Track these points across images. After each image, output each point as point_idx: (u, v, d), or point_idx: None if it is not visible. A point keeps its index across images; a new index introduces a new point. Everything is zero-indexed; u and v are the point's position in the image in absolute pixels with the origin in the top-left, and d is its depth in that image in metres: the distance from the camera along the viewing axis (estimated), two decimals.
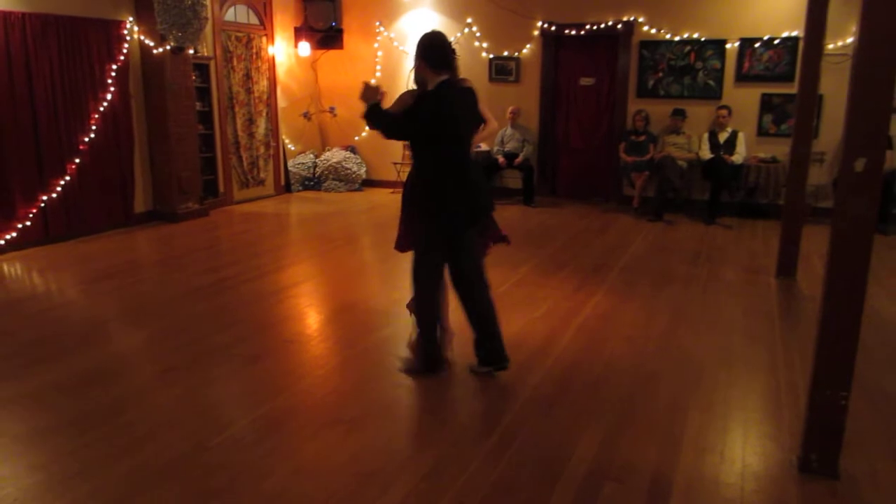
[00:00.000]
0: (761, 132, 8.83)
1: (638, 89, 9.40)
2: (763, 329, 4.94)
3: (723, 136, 8.66)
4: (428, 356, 4.15)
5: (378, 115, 3.83)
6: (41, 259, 6.79)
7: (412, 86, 4.11)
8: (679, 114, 8.92)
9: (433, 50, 3.92)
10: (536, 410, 3.70)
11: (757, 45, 8.67)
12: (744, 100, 8.83)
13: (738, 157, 8.53)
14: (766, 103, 8.75)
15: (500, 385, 4.01)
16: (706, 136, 8.80)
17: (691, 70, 9.04)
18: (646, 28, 9.18)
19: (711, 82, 8.98)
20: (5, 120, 6.72)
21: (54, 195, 7.23)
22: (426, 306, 4.12)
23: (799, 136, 5.91)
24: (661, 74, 9.22)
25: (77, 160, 7.42)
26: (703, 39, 8.91)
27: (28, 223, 7.00)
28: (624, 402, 3.80)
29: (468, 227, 3.98)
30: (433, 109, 3.81)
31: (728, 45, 8.81)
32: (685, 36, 8.99)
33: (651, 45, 9.20)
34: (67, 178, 7.34)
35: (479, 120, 4.21)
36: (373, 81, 3.93)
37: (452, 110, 3.84)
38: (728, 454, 3.27)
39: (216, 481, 3.04)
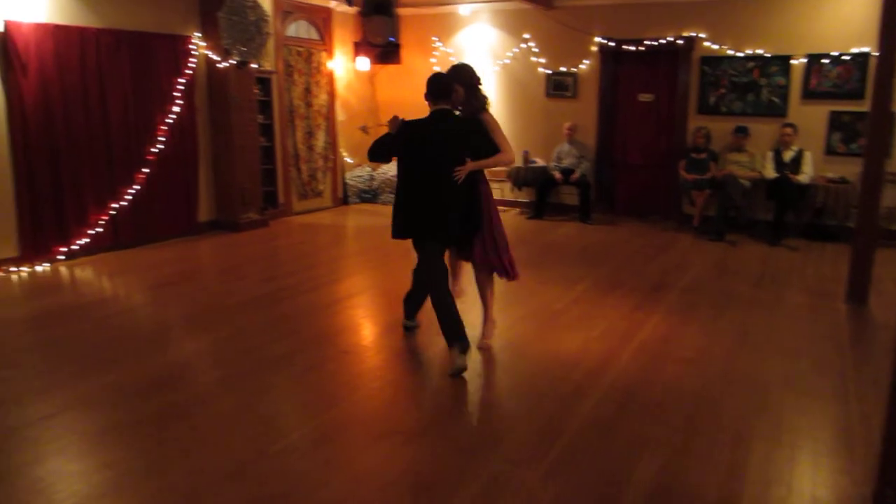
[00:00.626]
0: (829, 151, 8.57)
1: (699, 106, 9.25)
2: (832, 356, 4.77)
3: (788, 155, 8.45)
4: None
5: (376, 143, 4.59)
6: (111, 264, 7.01)
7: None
8: (742, 131, 8.74)
9: (430, 84, 4.50)
10: (593, 432, 3.64)
11: (825, 61, 8.44)
12: (810, 118, 8.60)
13: (805, 176, 8.30)
14: (835, 121, 8.50)
15: (558, 404, 3.96)
16: (770, 154, 8.60)
17: (755, 86, 8.86)
18: (707, 43, 9.03)
19: (776, 99, 8.77)
20: (80, 131, 6.97)
21: (124, 203, 7.46)
22: (431, 296, 4.57)
23: (871, 155, 5.72)
24: (723, 91, 9.06)
25: (145, 170, 7.65)
26: (767, 55, 8.72)
27: (99, 230, 7.24)
28: (685, 427, 3.71)
29: (410, 237, 4.57)
30: (404, 135, 4.49)
31: (794, 61, 8.60)
32: (748, 51, 8.81)
33: (713, 60, 9.05)
34: (136, 187, 7.57)
35: (484, 149, 4.53)
36: (399, 116, 4.60)
37: (411, 138, 4.46)
38: (796, 486, 3.16)
39: (274, 488, 3.08)
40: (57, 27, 6.69)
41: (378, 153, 4.67)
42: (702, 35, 9.05)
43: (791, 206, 8.37)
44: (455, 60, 10.43)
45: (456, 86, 4.55)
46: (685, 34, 9.13)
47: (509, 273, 4.74)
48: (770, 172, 8.49)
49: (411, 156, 4.49)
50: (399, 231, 4.60)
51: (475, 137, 4.50)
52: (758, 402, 4.03)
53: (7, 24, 6.30)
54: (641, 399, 4.04)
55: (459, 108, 4.62)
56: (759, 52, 8.75)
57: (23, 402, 3.89)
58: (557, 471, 3.24)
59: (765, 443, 3.54)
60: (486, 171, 4.71)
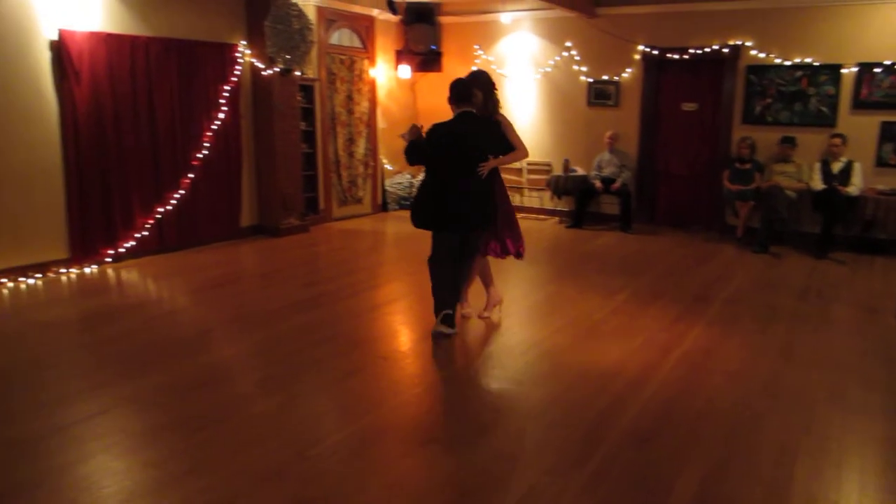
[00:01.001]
0: (880, 163, 8.36)
1: (744, 115, 9.11)
2: (882, 373, 4.63)
3: (836, 166, 8.27)
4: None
5: (411, 148, 4.97)
6: (155, 267, 7.15)
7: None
8: (789, 142, 8.58)
9: (453, 89, 4.97)
10: (633, 443, 3.60)
11: (877, 70, 8.24)
12: (861, 128, 8.40)
13: (854, 188, 8.11)
14: (887, 132, 8.28)
15: (597, 415, 3.93)
16: (818, 165, 8.42)
17: (803, 96, 8.70)
18: (754, 52, 8.90)
19: (825, 109, 8.60)
20: (129, 136, 7.14)
21: (169, 207, 7.61)
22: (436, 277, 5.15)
23: None
24: (769, 100, 8.91)
25: (191, 175, 7.80)
26: (816, 64, 8.55)
27: (145, 233, 7.39)
28: (727, 441, 3.65)
29: (433, 228, 5.04)
30: (432, 136, 4.93)
31: (844, 71, 8.42)
32: (797, 60, 8.66)
33: (759, 69, 8.91)
34: (181, 191, 7.71)
35: (500, 146, 5.09)
36: (418, 124, 5.05)
37: (437, 139, 4.90)
38: None
39: (313, 491, 3.10)
40: (109, 35, 6.87)
41: (413, 156, 5.05)
42: (748, 43, 8.92)
43: (839, 219, 8.18)
44: (497, 69, 10.48)
45: (475, 90, 5.01)
46: (731, 42, 9.01)
47: (511, 252, 5.40)
48: (817, 184, 8.32)
49: (440, 155, 4.93)
50: (424, 222, 5.07)
51: (495, 137, 5.04)
52: (803, 417, 3.94)
53: (62, 33, 6.48)
54: (682, 411, 3.99)
55: (475, 110, 5.06)
56: (808, 60, 8.59)
57: (70, 401, 3.98)
58: (596, 482, 3.21)
59: (810, 459, 3.46)
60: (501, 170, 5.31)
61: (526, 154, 5.26)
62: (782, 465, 3.39)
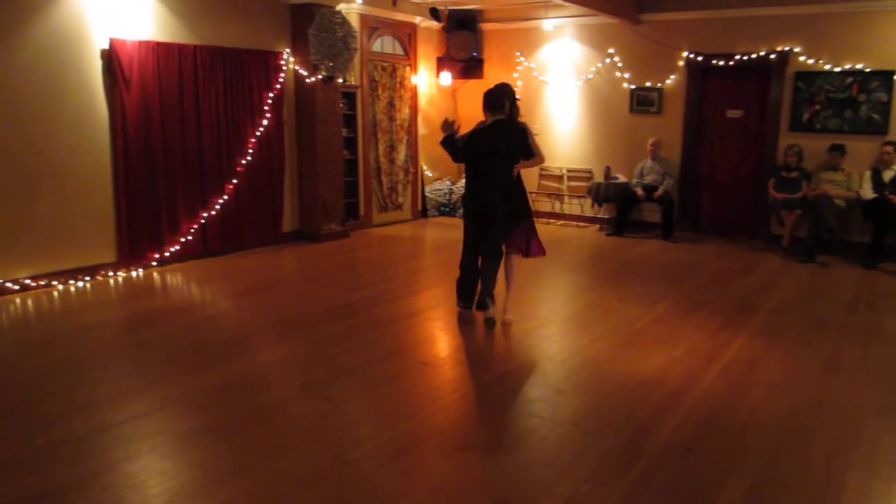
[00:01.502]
0: None
1: (791, 122, 8.94)
2: None
3: (888, 175, 8.05)
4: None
5: (449, 142, 5.61)
6: (199, 271, 7.28)
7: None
8: (838, 149, 8.40)
9: (488, 100, 5.59)
10: (675, 454, 3.55)
11: None
12: None
13: None
14: None
15: (638, 424, 3.88)
16: (868, 173, 8.21)
17: (853, 103, 8.50)
18: (802, 58, 8.73)
19: (876, 116, 8.39)
20: (175, 142, 7.28)
21: (213, 213, 7.74)
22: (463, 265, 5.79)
23: None
24: (818, 107, 8.73)
25: (234, 181, 7.92)
26: (867, 70, 8.36)
27: (190, 238, 7.53)
28: (771, 454, 3.57)
29: (478, 223, 5.60)
30: (467, 141, 5.56)
31: None
32: (847, 67, 8.48)
33: (808, 76, 8.74)
34: (225, 197, 7.84)
35: (525, 152, 5.58)
36: (450, 118, 5.76)
37: (478, 143, 5.50)
38: None
39: (353, 494, 3.12)
40: (158, 44, 7.02)
41: (450, 148, 5.64)
42: (797, 49, 8.76)
43: (890, 228, 7.97)
44: (538, 76, 10.47)
45: (504, 100, 5.55)
46: (778, 48, 8.85)
47: (532, 252, 5.77)
48: (868, 193, 8.12)
49: (477, 158, 5.53)
50: (467, 216, 5.78)
51: (524, 142, 5.55)
52: (851, 431, 3.85)
53: (112, 42, 6.65)
54: (725, 423, 3.92)
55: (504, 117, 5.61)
56: (859, 66, 8.40)
57: (118, 401, 4.07)
58: (636, 493, 3.17)
59: (859, 473, 3.37)
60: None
61: (543, 160, 5.84)
62: (830, 480, 3.31)
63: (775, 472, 3.38)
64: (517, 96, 5.88)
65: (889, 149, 8.06)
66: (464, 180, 11.12)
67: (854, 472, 3.39)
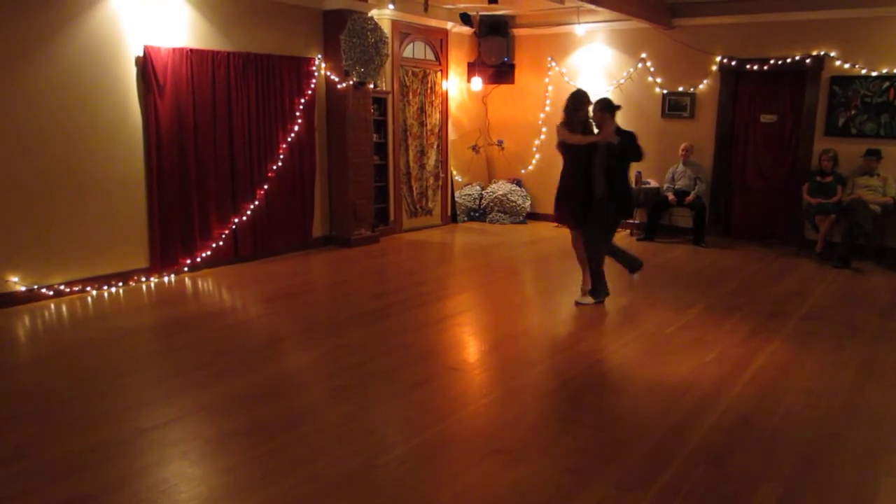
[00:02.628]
0: None
1: (826, 127, 8.81)
2: None
3: None
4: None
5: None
6: (230, 277, 7.36)
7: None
8: (874, 154, 8.26)
9: (602, 104, 6.14)
10: (705, 460, 3.52)
11: None
12: None
13: None
14: None
15: (667, 430, 3.85)
16: None
17: (890, 107, 8.35)
18: (838, 63, 8.61)
19: None
20: (207, 147, 7.38)
21: (244, 218, 7.83)
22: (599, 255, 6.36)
23: None
24: (853, 112, 8.59)
25: (265, 186, 8.01)
26: None
27: (221, 243, 7.62)
28: (804, 461, 3.53)
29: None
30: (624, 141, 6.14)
31: None
32: (884, 71, 8.33)
33: (843, 80, 8.60)
34: (256, 202, 7.93)
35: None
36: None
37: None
38: None
39: (382, 499, 3.14)
40: (192, 51, 7.13)
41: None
42: (832, 54, 8.64)
43: None
44: (569, 81, 10.45)
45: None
46: (814, 53, 8.73)
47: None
48: None
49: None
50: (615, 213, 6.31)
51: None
52: (885, 437, 3.79)
53: (147, 49, 6.77)
54: (757, 429, 3.87)
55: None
56: None
57: (149, 406, 4.13)
58: (666, 499, 3.15)
59: (892, 479, 3.32)
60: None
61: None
62: (863, 487, 3.27)
63: (808, 479, 3.34)
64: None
65: None
66: (496, 185, 11.19)
67: (888, 479, 3.34)
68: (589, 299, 6.38)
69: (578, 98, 6.24)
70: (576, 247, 6.51)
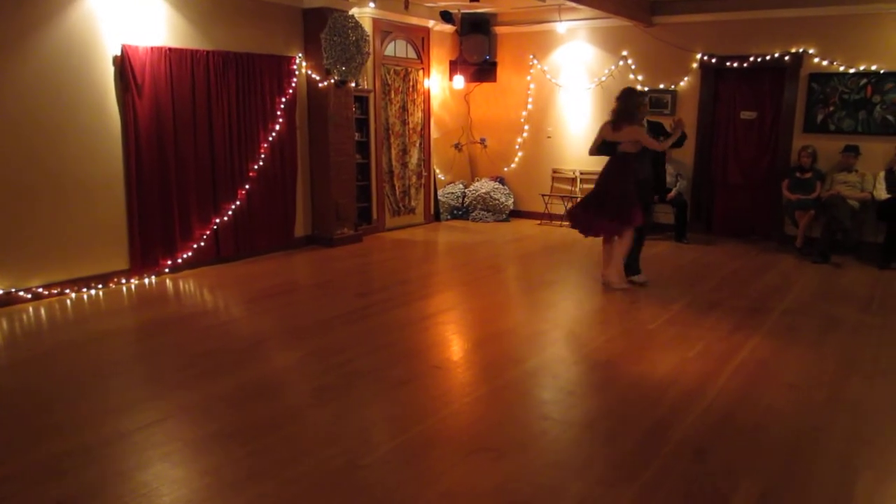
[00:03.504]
0: None
1: (805, 124, 8.89)
2: None
3: None
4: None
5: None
6: (212, 277, 7.31)
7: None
8: (852, 150, 8.34)
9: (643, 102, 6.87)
10: (688, 455, 3.53)
11: None
12: None
13: None
14: None
15: (651, 425, 3.87)
16: (882, 174, 8.16)
17: (867, 104, 8.44)
18: (817, 60, 8.68)
19: (890, 117, 8.32)
20: (188, 147, 7.32)
21: (226, 218, 7.77)
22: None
23: None
24: (832, 108, 8.67)
25: (247, 186, 7.96)
26: (882, 72, 8.30)
27: (202, 244, 7.56)
28: (786, 455, 3.55)
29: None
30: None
31: None
32: (861, 68, 8.42)
33: (822, 77, 8.68)
34: (238, 202, 7.88)
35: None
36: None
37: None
38: None
39: (366, 500, 3.12)
40: (170, 50, 7.07)
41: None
42: (811, 51, 8.71)
43: None
44: (551, 79, 10.47)
45: None
46: (793, 50, 8.81)
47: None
48: (882, 193, 8.06)
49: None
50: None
51: None
52: (866, 430, 3.83)
53: (124, 48, 6.69)
54: (740, 423, 3.90)
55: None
56: (873, 68, 8.34)
57: (131, 409, 4.08)
58: (651, 494, 3.16)
59: (873, 472, 3.36)
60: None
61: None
62: (844, 480, 3.30)
63: (789, 473, 3.37)
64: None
65: None
66: (479, 183, 11.18)
67: (869, 472, 3.37)
68: (643, 276, 6.96)
69: (638, 95, 6.73)
70: (613, 240, 6.79)
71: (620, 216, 6.52)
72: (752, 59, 9.07)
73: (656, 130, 6.89)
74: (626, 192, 6.54)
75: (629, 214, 6.51)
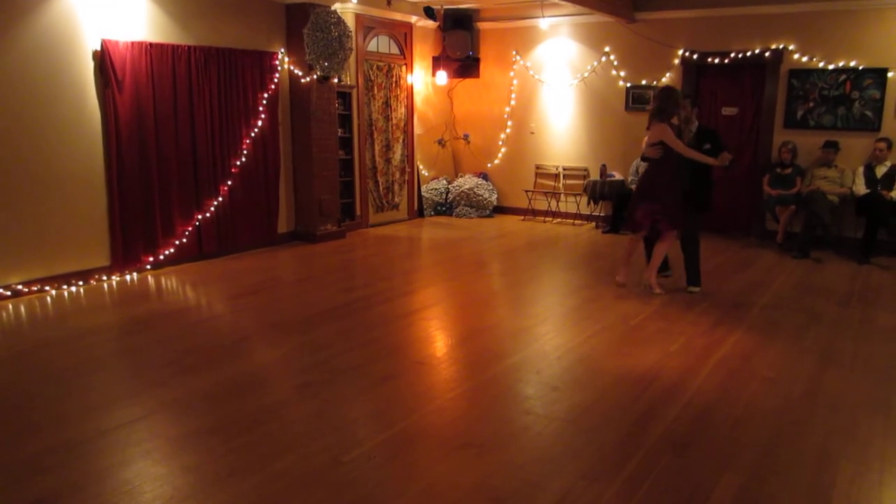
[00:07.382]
0: None
1: (785, 120, 8.97)
2: None
3: (880, 171, 8.09)
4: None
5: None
6: (194, 274, 7.27)
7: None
8: (831, 146, 8.43)
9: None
10: (670, 449, 3.56)
11: None
12: None
13: None
14: None
15: (633, 420, 3.89)
16: (861, 170, 8.26)
17: (846, 100, 8.53)
18: (796, 56, 8.76)
19: (869, 113, 8.42)
20: (169, 143, 7.27)
21: (208, 215, 7.72)
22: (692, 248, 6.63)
23: None
24: (811, 104, 8.76)
25: (229, 182, 7.92)
26: (860, 68, 8.39)
27: (184, 240, 7.51)
28: (766, 448, 3.59)
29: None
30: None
31: (890, 74, 8.24)
32: (840, 64, 8.51)
33: (802, 73, 8.76)
34: (220, 198, 7.83)
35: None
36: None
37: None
38: None
39: (350, 496, 3.12)
40: (151, 45, 7.01)
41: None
42: (791, 47, 8.79)
43: (883, 224, 8.01)
44: (534, 75, 10.48)
45: None
46: (773, 46, 8.88)
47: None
48: (861, 189, 8.16)
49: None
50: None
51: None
52: (844, 424, 3.87)
53: (104, 43, 6.63)
54: (720, 417, 3.94)
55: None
56: (853, 64, 8.43)
57: (112, 406, 4.06)
58: (632, 488, 3.18)
59: (852, 465, 3.40)
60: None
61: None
62: (823, 472, 3.34)
63: (769, 466, 3.40)
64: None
65: (882, 145, 8.10)
66: (462, 179, 11.19)
67: (847, 465, 3.41)
68: (696, 289, 6.60)
69: (673, 93, 6.37)
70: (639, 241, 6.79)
71: (664, 207, 6.28)
72: (732, 55, 9.13)
73: (707, 138, 6.48)
74: (670, 185, 6.31)
75: (674, 210, 6.29)
